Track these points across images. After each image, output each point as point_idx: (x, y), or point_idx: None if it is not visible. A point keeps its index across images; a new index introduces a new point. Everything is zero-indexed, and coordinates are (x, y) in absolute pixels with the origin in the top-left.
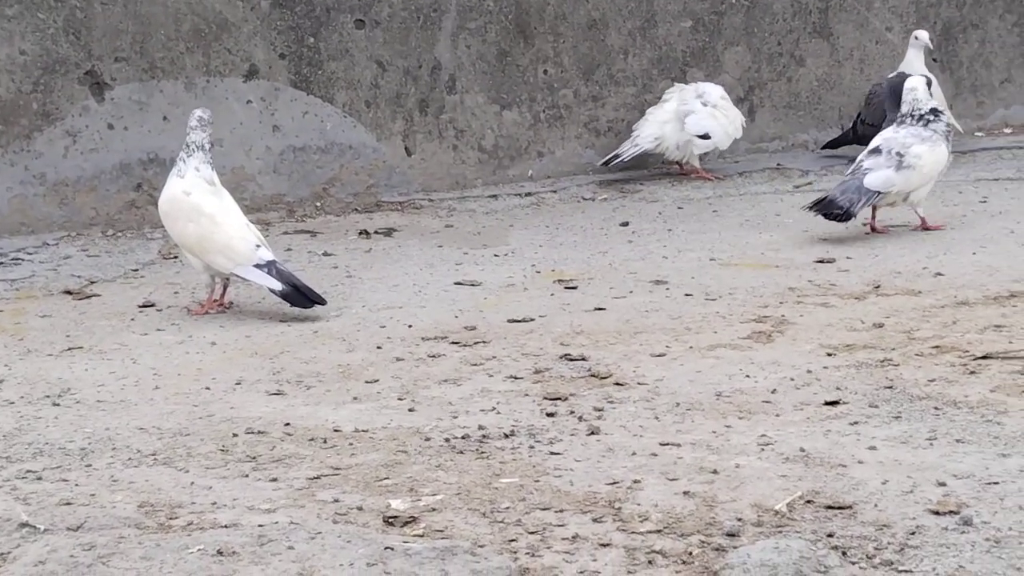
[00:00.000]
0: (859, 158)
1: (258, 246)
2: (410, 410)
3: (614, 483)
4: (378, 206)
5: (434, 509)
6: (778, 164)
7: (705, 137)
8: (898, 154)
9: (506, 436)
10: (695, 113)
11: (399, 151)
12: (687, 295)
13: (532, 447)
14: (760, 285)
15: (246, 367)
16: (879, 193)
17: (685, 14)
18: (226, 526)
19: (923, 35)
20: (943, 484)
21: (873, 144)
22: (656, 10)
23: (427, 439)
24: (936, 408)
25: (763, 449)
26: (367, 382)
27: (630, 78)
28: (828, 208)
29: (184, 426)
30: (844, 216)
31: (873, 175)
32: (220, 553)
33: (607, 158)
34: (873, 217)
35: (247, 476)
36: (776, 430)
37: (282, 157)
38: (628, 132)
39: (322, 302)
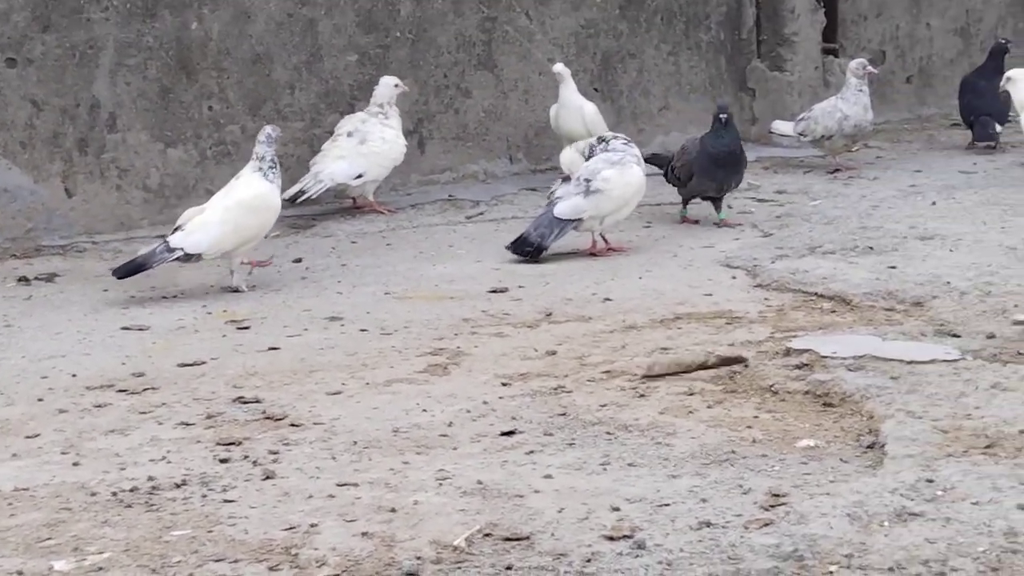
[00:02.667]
0: (552, 188)
1: None
2: (74, 464)
3: (290, 528)
4: (38, 251)
5: (100, 568)
6: (450, 195)
7: (359, 176)
8: (586, 180)
9: (177, 486)
10: (344, 158)
11: (59, 193)
12: (363, 330)
13: (205, 496)
14: (435, 317)
15: None
16: (571, 221)
17: (351, 48)
18: None
19: (558, 67)
20: (617, 509)
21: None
22: (321, 44)
23: (93, 494)
24: (608, 433)
25: (441, 484)
26: (27, 437)
27: (298, 112)
28: (520, 247)
29: None
30: (536, 252)
31: (562, 204)
32: None
33: (292, 194)
34: (605, 241)
35: None
36: (454, 464)
37: None
38: (299, 167)
39: None
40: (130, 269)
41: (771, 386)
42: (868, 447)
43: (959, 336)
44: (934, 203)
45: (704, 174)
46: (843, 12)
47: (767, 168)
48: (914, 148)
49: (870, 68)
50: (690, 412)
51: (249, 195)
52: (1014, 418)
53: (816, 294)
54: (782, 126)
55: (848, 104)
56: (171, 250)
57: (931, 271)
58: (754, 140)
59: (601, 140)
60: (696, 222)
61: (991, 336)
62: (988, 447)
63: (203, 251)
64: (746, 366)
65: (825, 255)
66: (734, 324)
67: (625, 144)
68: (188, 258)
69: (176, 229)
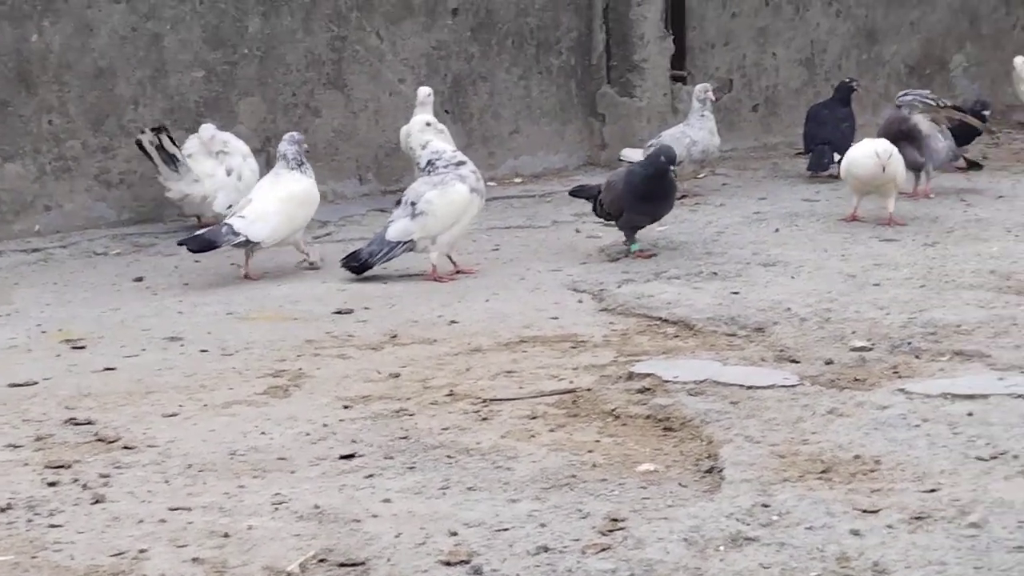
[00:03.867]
0: (392, 209)
1: None
2: None
3: (119, 554)
4: None
5: None
6: None
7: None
8: (412, 203)
9: (2, 510)
10: (224, 189)
11: None
12: (203, 351)
13: (31, 520)
14: (278, 338)
15: None
16: (402, 243)
17: (197, 64)
18: None
19: (421, 91)
20: (455, 534)
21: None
22: (167, 59)
23: None
24: (449, 456)
25: (277, 508)
26: None
27: (142, 128)
28: (349, 261)
29: None
30: (360, 268)
31: (393, 227)
32: None
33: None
34: (453, 263)
35: None
36: (291, 488)
37: None
38: (143, 184)
39: None
40: (201, 245)
41: (613, 410)
42: (707, 472)
43: (798, 362)
44: (777, 230)
45: (634, 209)
46: (691, 40)
47: None
48: (759, 176)
49: (710, 94)
50: (532, 436)
51: (299, 189)
52: (849, 443)
53: (660, 319)
54: (631, 153)
55: (695, 130)
56: (235, 234)
57: (773, 297)
58: (604, 165)
59: (429, 163)
60: (654, 255)
61: (829, 362)
62: (823, 472)
63: (263, 240)
64: (589, 390)
65: (670, 280)
66: (579, 348)
67: (451, 165)
68: (246, 244)
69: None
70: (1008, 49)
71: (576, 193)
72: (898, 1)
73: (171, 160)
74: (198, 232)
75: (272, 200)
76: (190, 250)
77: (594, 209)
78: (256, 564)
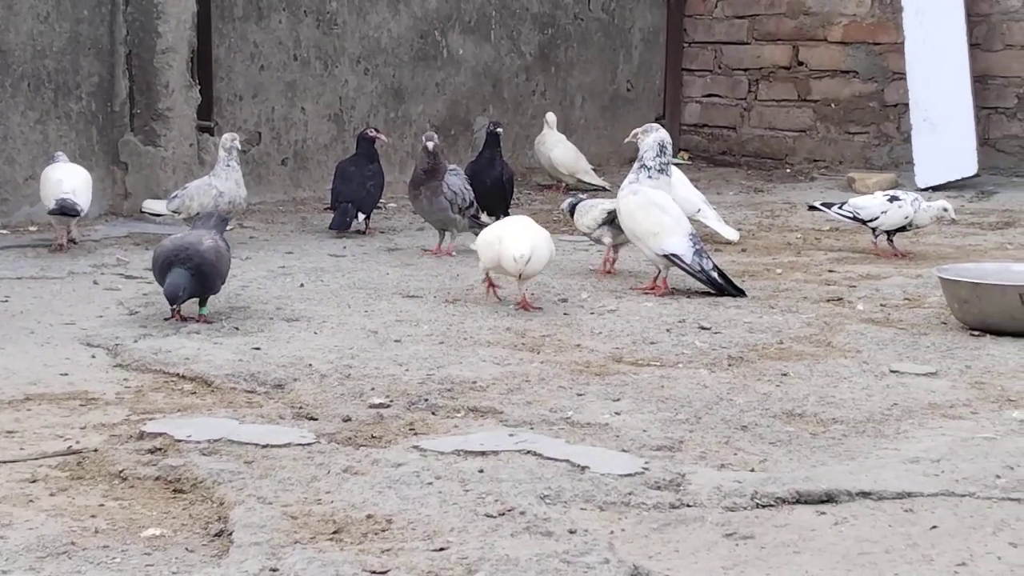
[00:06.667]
0: None
1: None
2: None
3: None
4: None
5: None
6: None
7: None
8: None
9: None
10: None
11: None
12: None
13: None
14: None
15: None
16: None
17: None
18: None
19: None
20: None
21: None
22: None
23: None
24: None
25: None
26: None
27: None
28: None
29: None
30: None
31: None
32: None
33: None
34: None
35: None
36: None
37: None
38: None
39: None
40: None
41: (121, 472)
42: (216, 535)
43: (317, 419)
44: (303, 285)
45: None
46: (219, 91)
47: (138, 244)
48: (288, 230)
49: (237, 143)
50: (30, 501)
51: None
52: (362, 503)
53: (178, 375)
54: (154, 205)
55: (221, 180)
56: None
57: (295, 353)
58: (126, 215)
59: None
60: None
61: (347, 419)
62: (335, 533)
63: None
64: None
65: (190, 335)
66: (89, 406)
67: None
68: None
69: None
70: (528, 113)
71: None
72: (424, 63)
73: None
74: None
75: None
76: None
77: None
78: None
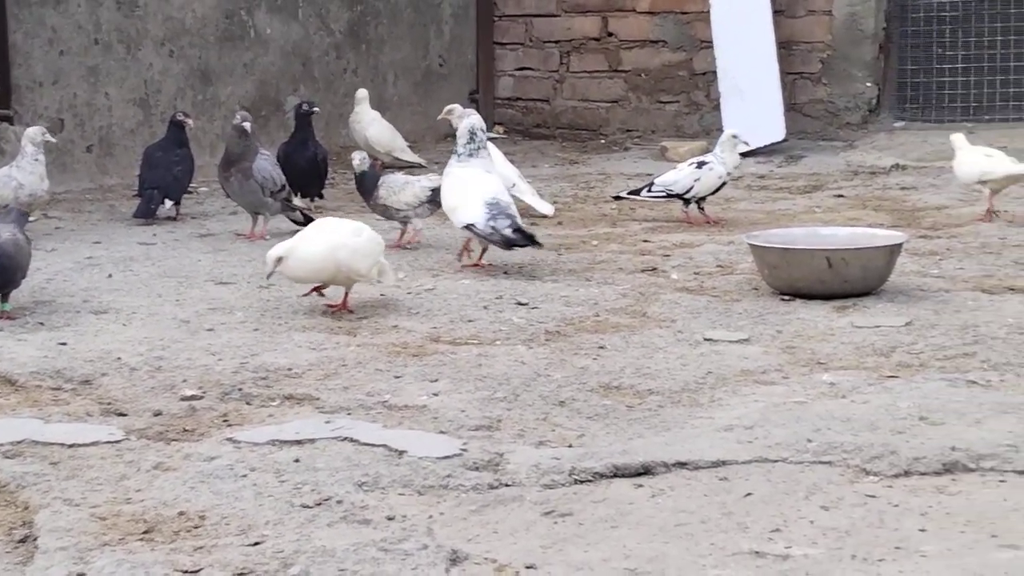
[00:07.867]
0: None
1: None
2: None
3: None
4: None
5: None
6: None
7: None
8: None
9: None
10: None
11: None
12: None
13: None
14: None
15: None
16: None
17: None
18: None
19: None
20: None
21: None
22: None
23: None
24: None
25: None
26: None
27: None
28: None
29: None
30: None
31: None
32: None
33: None
34: None
35: None
36: None
37: None
38: None
39: None
40: None
41: None
42: (20, 541)
43: (126, 415)
44: (111, 275)
45: None
46: (17, 78)
47: None
48: (95, 219)
49: (47, 136)
50: None
51: None
52: (174, 500)
53: None
54: None
55: (24, 173)
56: None
57: (103, 347)
58: None
59: None
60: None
61: (158, 413)
62: (146, 533)
63: None
64: None
65: None
66: None
67: None
68: None
69: None
70: (340, 92)
71: None
72: (231, 43)
73: None
74: None
75: None
76: None
77: None
78: None
